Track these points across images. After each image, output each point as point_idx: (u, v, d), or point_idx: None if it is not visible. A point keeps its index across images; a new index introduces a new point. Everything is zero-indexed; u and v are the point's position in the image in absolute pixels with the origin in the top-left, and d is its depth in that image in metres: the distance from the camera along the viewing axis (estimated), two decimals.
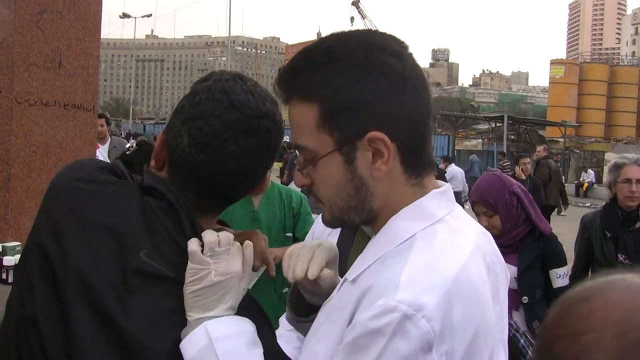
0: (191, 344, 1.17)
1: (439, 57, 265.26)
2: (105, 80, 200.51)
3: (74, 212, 1.27)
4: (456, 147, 36.79)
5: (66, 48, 3.77)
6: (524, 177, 10.09)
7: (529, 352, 2.91)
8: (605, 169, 4.43)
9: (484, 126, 42.29)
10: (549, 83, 73.03)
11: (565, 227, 9.11)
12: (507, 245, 3.29)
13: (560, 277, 3.41)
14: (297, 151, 1.24)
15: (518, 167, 10.44)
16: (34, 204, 3.57)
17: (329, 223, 1.25)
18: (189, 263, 1.23)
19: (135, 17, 67.43)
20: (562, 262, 3.47)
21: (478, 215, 3.41)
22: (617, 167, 4.14)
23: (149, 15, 67.15)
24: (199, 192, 1.35)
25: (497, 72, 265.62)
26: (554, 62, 71.90)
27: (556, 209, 14.35)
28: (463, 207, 7.72)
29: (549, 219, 10.24)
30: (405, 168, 1.17)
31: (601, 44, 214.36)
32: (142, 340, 1.15)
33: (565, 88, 66.11)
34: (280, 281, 3.28)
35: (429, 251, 1.10)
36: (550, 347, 0.75)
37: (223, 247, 1.26)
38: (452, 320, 1.03)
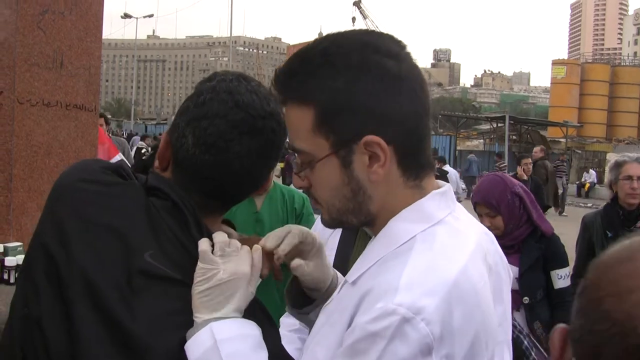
0: (196, 345, 1.17)
1: (441, 57, 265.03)
2: (107, 81, 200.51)
3: (78, 213, 1.28)
4: (458, 148, 36.80)
5: (68, 48, 3.77)
6: (525, 178, 10.08)
7: (533, 353, 2.90)
8: (607, 168, 4.43)
9: (485, 126, 42.23)
10: (551, 83, 72.95)
11: (566, 228, 9.10)
12: (509, 246, 3.29)
13: (561, 278, 3.41)
14: (295, 154, 1.23)
15: (520, 168, 10.43)
16: (36, 204, 3.57)
17: (328, 224, 1.25)
18: (198, 263, 1.23)
19: (137, 18, 67.41)
20: (564, 263, 3.47)
21: (480, 216, 3.40)
22: (618, 165, 4.14)
23: (151, 16, 67.16)
24: (204, 193, 1.35)
25: (499, 72, 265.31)
26: (555, 63, 71.79)
27: (558, 211, 14.37)
28: None
29: None
30: (403, 170, 1.16)
31: (603, 45, 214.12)
32: (147, 341, 1.16)
33: (566, 88, 66.00)
34: (282, 281, 3.28)
35: (428, 253, 1.10)
36: (598, 306, 0.75)
37: (233, 248, 1.27)
38: (452, 323, 1.02)
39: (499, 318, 1.21)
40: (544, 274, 3.42)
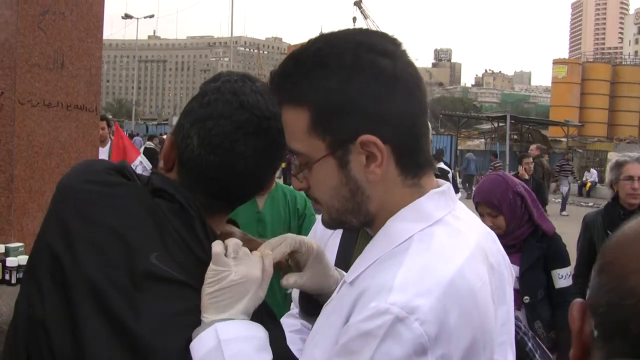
0: (200, 344, 1.17)
1: (442, 57, 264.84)
2: (108, 81, 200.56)
3: (82, 214, 1.27)
4: (459, 147, 36.79)
5: (68, 49, 3.77)
6: (527, 177, 10.08)
7: (537, 355, 2.89)
8: (608, 168, 4.42)
9: (486, 126, 42.20)
10: (552, 83, 72.87)
11: (568, 227, 9.09)
12: (511, 245, 3.29)
13: (562, 277, 3.41)
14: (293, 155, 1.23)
15: (521, 167, 10.43)
16: (37, 205, 3.57)
17: (328, 225, 1.25)
18: (211, 264, 1.23)
19: (138, 18, 67.41)
20: (565, 263, 3.47)
21: (482, 216, 3.40)
22: (619, 165, 4.14)
23: (151, 16, 67.16)
24: (209, 193, 1.35)
25: (500, 72, 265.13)
26: (556, 62, 71.73)
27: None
28: None
29: None
30: (401, 169, 1.15)
31: (604, 44, 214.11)
32: (152, 341, 1.16)
33: (567, 88, 65.94)
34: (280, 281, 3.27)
35: (425, 254, 1.09)
36: (623, 282, 0.77)
37: (245, 252, 1.27)
38: (447, 323, 1.01)
39: (502, 318, 1.21)
40: (545, 274, 3.42)
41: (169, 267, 1.23)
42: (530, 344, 2.92)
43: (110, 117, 8.01)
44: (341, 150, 1.13)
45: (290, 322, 2.03)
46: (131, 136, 38.12)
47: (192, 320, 1.21)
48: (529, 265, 3.36)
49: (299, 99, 1.15)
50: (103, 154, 6.89)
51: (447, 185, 1.23)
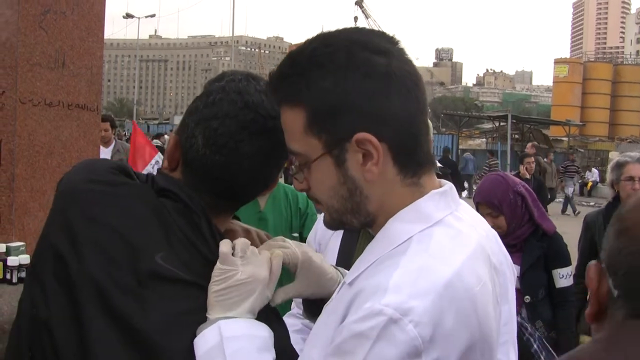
0: (203, 341, 1.18)
1: (443, 56, 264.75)
2: (109, 81, 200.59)
3: (86, 213, 1.27)
4: (460, 147, 36.75)
5: (69, 48, 3.77)
6: (528, 176, 10.07)
7: (542, 356, 2.89)
8: (609, 168, 4.42)
9: (487, 125, 42.16)
10: (553, 82, 72.84)
11: (569, 226, 9.09)
12: (512, 245, 3.29)
13: (563, 277, 3.41)
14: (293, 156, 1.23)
15: (522, 166, 10.43)
16: (38, 204, 3.57)
17: (329, 225, 1.25)
18: (218, 263, 1.24)
19: (139, 18, 67.46)
20: (566, 262, 3.47)
21: (483, 217, 3.39)
22: (620, 166, 4.14)
23: (153, 16, 67.22)
24: (214, 193, 1.35)
25: (501, 71, 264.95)
26: (557, 61, 71.68)
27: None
28: None
29: None
30: (399, 168, 1.15)
31: (605, 43, 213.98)
32: (157, 341, 1.16)
33: (569, 87, 65.93)
34: (286, 281, 3.27)
35: (423, 255, 1.08)
36: None
37: (253, 252, 1.28)
38: (443, 326, 1.00)
39: (504, 317, 1.21)
40: (546, 273, 3.42)
41: (174, 266, 1.23)
42: (535, 345, 2.92)
43: (114, 117, 7.98)
44: (337, 149, 1.13)
45: (291, 322, 2.03)
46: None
47: (198, 320, 1.21)
48: (530, 265, 3.36)
49: (296, 99, 1.15)
50: (106, 154, 6.89)
51: (448, 186, 1.22)
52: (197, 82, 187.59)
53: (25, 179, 3.53)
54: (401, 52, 1.17)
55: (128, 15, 66.66)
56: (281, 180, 4.81)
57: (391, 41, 1.17)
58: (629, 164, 4.09)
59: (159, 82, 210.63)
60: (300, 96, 1.14)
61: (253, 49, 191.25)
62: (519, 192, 3.37)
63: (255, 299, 1.24)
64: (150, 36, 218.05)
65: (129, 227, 1.25)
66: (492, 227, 3.20)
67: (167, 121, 56.24)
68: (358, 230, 2.06)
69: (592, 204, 21.60)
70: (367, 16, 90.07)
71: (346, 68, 1.11)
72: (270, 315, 1.32)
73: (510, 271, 1.28)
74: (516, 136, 35.04)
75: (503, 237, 3.19)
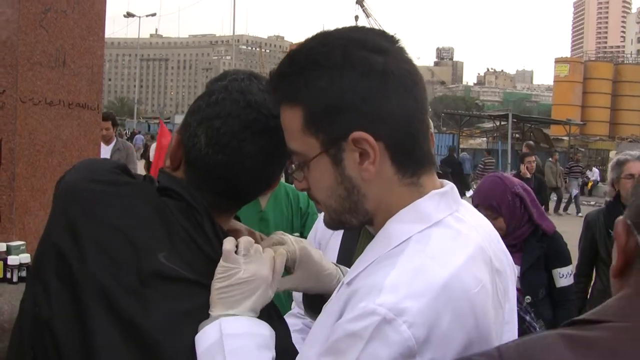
0: (204, 338, 1.18)
1: (444, 55, 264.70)
2: (110, 80, 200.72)
3: (88, 213, 1.27)
4: (461, 146, 36.75)
5: (70, 47, 3.77)
6: (529, 176, 10.08)
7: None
8: (609, 166, 4.42)
9: (488, 125, 42.14)
10: (554, 81, 72.81)
11: (569, 226, 9.09)
12: (511, 245, 3.28)
13: (563, 276, 3.40)
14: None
15: (523, 166, 10.43)
16: (39, 203, 3.57)
17: (329, 225, 1.24)
18: (221, 261, 1.24)
19: (140, 17, 67.56)
20: (566, 262, 3.46)
21: None
22: (620, 164, 4.14)
23: (153, 15, 67.31)
24: (217, 192, 1.35)
25: (502, 70, 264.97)
26: (558, 61, 71.64)
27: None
28: None
29: None
30: (398, 168, 1.14)
31: (606, 42, 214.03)
32: (160, 340, 1.16)
33: (569, 86, 65.92)
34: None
35: (420, 255, 1.07)
36: None
37: (257, 251, 1.28)
38: (439, 327, 0.99)
39: (506, 316, 1.21)
40: (546, 273, 3.41)
41: (177, 265, 1.23)
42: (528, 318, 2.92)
43: (115, 116, 7.99)
44: (334, 148, 1.13)
45: (292, 321, 2.03)
46: (133, 134, 38.25)
47: (201, 318, 1.21)
48: (530, 265, 3.36)
49: (294, 98, 1.15)
50: (106, 152, 6.90)
51: (449, 186, 1.21)
52: (197, 81, 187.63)
53: (25, 178, 3.53)
54: (400, 51, 1.16)
55: (129, 14, 66.74)
56: (282, 180, 4.81)
57: (390, 40, 1.16)
58: (629, 161, 4.09)
59: (160, 81, 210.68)
60: (298, 95, 1.14)
61: (254, 48, 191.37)
62: (517, 194, 3.36)
63: (257, 297, 1.24)
64: (151, 35, 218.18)
65: (132, 226, 1.26)
66: None
67: (167, 120, 56.21)
68: (358, 230, 2.05)
69: (592, 203, 21.59)
70: (367, 15, 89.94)
71: (342, 67, 1.11)
72: (272, 314, 1.32)
73: (511, 270, 1.28)
74: (517, 135, 35.03)
75: (503, 237, 3.19)
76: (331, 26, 1.32)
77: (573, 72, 66.74)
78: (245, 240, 1.28)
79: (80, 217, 1.27)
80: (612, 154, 27.72)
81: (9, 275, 3.12)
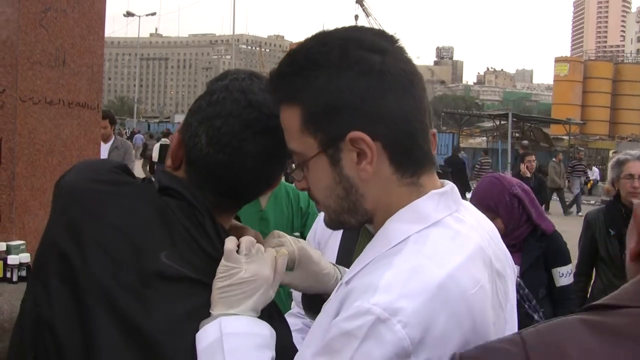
0: (204, 336, 1.18)
1: (444, 55, 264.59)
2: (110, 79, 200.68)
3: (89, 213, 1.27)
4: (461, 145, 36.77)
5: (70, 46, 3.77)
6: (529, 175, 10.09)
7: (535, 317, 2.90)
8: (609, 166, 4.42)
9: (488, 124, 42.11)
10: (554, 81, 72.77)
11: (569, 225, 9.10)
12: (511, 245, 3.28)
13: (563, 275, 3.40)
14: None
15: (523, 165, 10.46)
16: (38, 202, 3.57)
17: (329, 225, 1.25)
18: (222, 260, 1.24)
19: (140, 16, 67.53)
20: (566, 261, 3.46)
21: None
22: (620, 163, 4.13)
23: (153, 14, 67.25)
24: (218, 192, 1.34)
25: (502, 69, 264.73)
26: (558, 60, 71.58)
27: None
28: None
29: None
30: (396, 167, 1.13)
31: (605, 42, 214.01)
32: (161, 340, 1.16)
33: (569, 86, 65.88)
34: None
35: (417, 255, 1.06)
36: None
37: (258, 251, 1.28)
38: (435, 328, 0.99)
39: (507, 315, 1.20)
40: (546, 272, 3.41)
41: (179, 265, 1.23)
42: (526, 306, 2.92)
43: (114, 114, 7.99)
44: (332, 148, 1.13)
45: (292, 321, 2.03)
46: (132, 134, 38.28)
47: (202, 318, 1.21)
48: (530, 265, 3.35)
49: (293, 98, 1.15)
50: (104, 150, 6.90)
51: (450, 186, 1.21)
52: (197, 81, 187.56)
53: (25, 177, 3.53)
54: (399, 50, 1.16)
55: (129, 14, 66.81)
56: (282, 179, 4.81)
57: (389, 39, 1.16)
58: (629, 161, 4.09)
59: (160, 80, 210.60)
60: (297, 95, 1.14)
61: (254, 48, 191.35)
62: (515, 194, 3.35)
63: (258, 297, 1.24)
64: (151, 34, 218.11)
65: (133, 226, 1.25)
66: None
67: (167, 119, 56.27)
68: (357, 230, 2.05)
69: (592, 202, 21.59)
70: (367, 14, 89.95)
71: (340, 66, 1.10)
72: (273, 313, 1.33)
73: (511, 270, 1.28)
74: (517, 135, 35.03)
75: (502, 237, 3.20)
76: (331, 25, 1.32)
77: (573, 72, 66.71)
78: (247, 240, 1.28)
79: (81, 217, 1.27)
80: (612, 153, 27.72)
81: (8, 274, 3.12)
